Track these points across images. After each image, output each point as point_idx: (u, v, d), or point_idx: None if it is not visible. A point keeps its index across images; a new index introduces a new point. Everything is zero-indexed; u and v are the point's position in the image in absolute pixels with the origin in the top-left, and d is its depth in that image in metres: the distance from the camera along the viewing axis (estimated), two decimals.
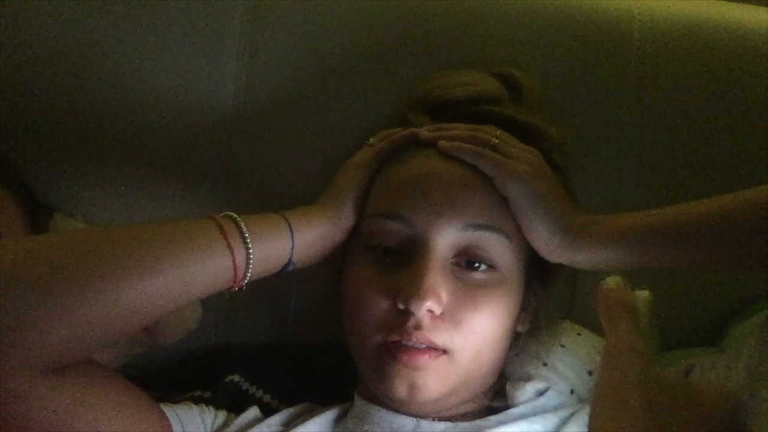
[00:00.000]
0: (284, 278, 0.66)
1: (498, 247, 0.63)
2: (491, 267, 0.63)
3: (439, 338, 0.61)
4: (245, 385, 0.76)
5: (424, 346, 0.61)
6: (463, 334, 0.61)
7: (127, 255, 0.54)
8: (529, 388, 0.68)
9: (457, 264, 0.63)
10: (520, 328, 0.69)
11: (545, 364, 0.70)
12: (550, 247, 0.62)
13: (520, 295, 0.66)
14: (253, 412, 0.72)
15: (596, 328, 0.76)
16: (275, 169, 0.84)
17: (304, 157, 0.83)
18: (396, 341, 0.61)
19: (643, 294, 0.47)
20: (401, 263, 0.63)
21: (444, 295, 0.61)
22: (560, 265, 0.65)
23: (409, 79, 0.79)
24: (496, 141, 0.65)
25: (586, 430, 0.63)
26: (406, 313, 0.60)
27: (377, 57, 0.83)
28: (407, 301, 0.60)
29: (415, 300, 0.59)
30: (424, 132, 0.67)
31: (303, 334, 0.84)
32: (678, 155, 0.81)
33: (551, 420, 0.66)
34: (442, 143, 0.65)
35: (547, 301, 0.70)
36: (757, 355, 0.49)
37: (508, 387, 0.69)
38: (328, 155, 0.79)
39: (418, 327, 0.60)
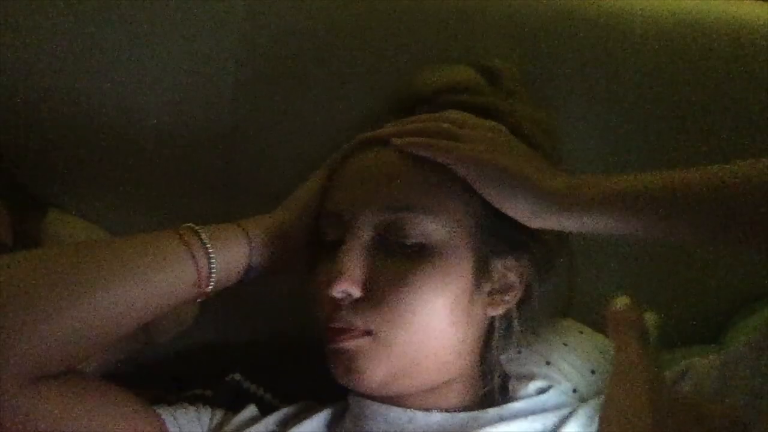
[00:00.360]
0: (286, 279, 0.68)
1: (422, 225, 0.63)
2: (419, 244, 0.63)
3: (359, 319, 0.62)
4: (246, 384, 0.76)
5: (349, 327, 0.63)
6: (385, 313, 0.62)
7: (94, 269, 0.58)
8: (532, 387, 0.68)
9: (385, 244, 0.64)
10: (491, 312, 0.67)
11: (548, 363, 0.70)
12: (534, 214, 0.60)
13: (469, 271, 0.64)
14: (251, 411, 0.71)
15: (597, 326, 0.76)
16: (274, 170, 0.84)
17: (302, 158, 0.82)
18: (328, 326, 0.64)
19: (653, 316, 0.47)
20: None
21: (359, 276, 0.62)
22: (530, 238, 0.64)
23: None
24: (447, 126, 0.65)
25: (586, 429, 0.64)
26: (332, 299, 0.63)
27: (379, 57, 0.83)
28: (326, 286, 0.62)
29: (331, 284, 0.62)
30: (376, 132, 0.68)
31: (305, 332, 0.84)
32: (680, 153, 0.81)
33: (551, 419, 0.66)
34: (395, 140, 0.66)
35: (532, 285, 0.68)
36: (758, 371, 0.49)
37: (510, 386, 0.69)
38: (327, 156, 0.79)
39: (338, 309, 0.63)
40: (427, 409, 0.66)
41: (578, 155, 0.79)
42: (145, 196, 0.83)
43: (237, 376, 0.76)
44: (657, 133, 0.81)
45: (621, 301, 0.46)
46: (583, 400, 0.68)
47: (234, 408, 0.72)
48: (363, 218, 0.64)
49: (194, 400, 0.72)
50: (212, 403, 0.72)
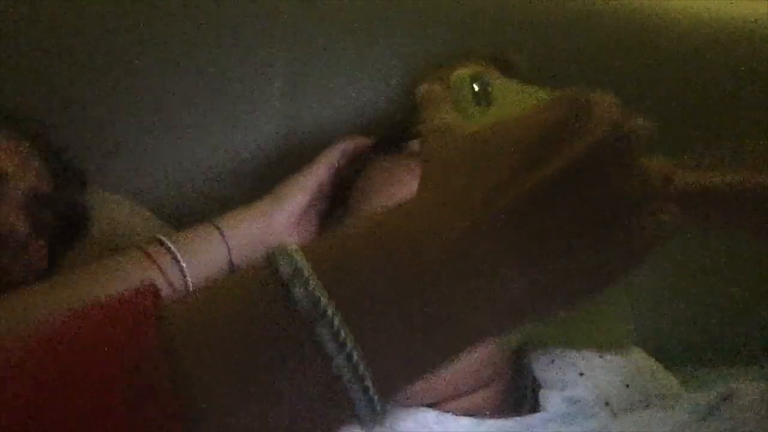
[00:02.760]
0: None
1: None
2: None
3: None
4: None
5: None
6: None
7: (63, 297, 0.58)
8: (562, 397, 0.67)
9: None
10: None
11: (581, 374, 0.69)
12: None
13: None
14: None
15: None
16: None
17: None
18: None
19: (461, 72, 0.39)
20: None
21: None
22: None
23: None
24: None
25: None
26: None
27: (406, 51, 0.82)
28: None
29: None
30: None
31: None
32: (678, 151, 0.79)
33: (579, 431, 0.65)
34: None
35: None
36: None
37: (541, 394, 0.69)
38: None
39: None
40: (456, 414, 0.66)
41: None
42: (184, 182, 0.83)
43: None
44: (671, 130, 0.80)
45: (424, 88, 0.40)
46: (615, 414, 0.67)
47: None
48: None
49: None
50: None
